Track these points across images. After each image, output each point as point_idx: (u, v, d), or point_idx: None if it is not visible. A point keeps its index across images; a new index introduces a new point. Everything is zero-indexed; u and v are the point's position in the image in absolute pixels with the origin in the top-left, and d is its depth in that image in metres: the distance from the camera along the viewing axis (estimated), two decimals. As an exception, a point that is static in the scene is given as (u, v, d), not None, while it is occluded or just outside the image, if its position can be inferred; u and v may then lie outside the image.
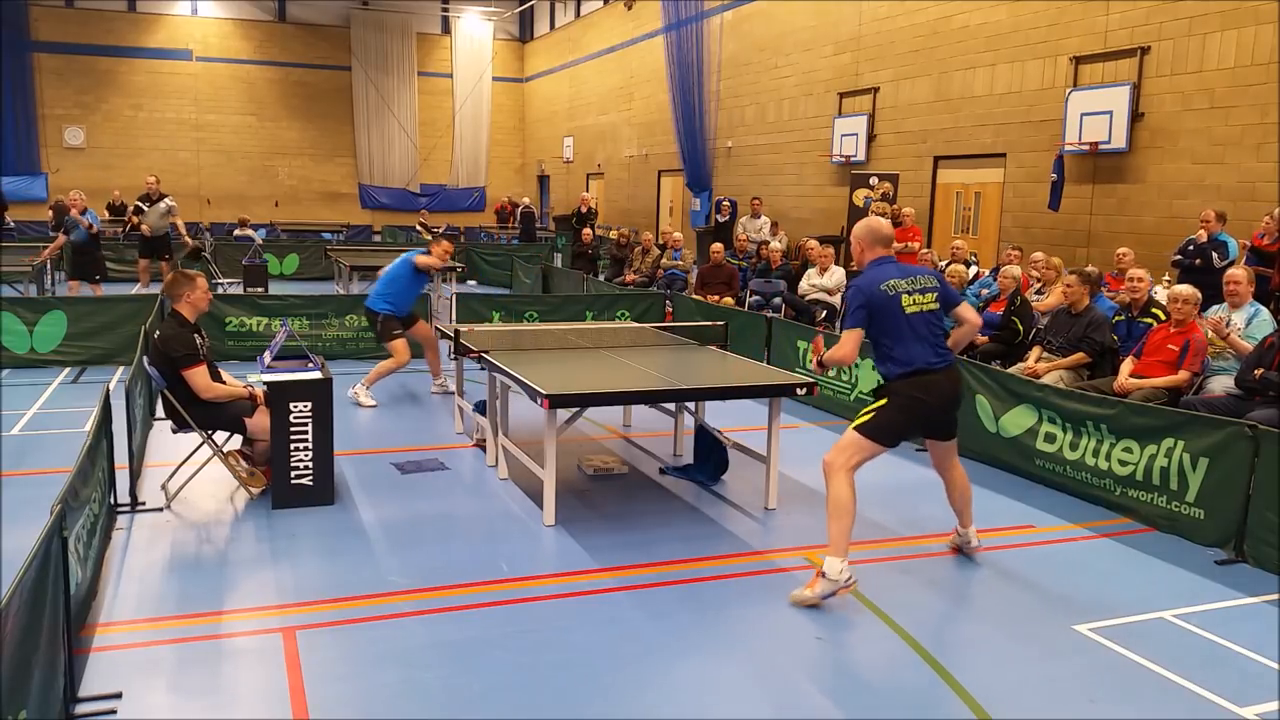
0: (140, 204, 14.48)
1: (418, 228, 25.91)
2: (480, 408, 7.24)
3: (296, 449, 5.73)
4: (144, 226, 14.44)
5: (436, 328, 8.98)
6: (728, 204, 18.62)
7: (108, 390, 5.51)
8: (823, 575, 4.59)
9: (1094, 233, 11.98)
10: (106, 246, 17.49)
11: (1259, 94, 10.11)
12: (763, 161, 19.25)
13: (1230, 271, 7.34)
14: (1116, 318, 7.93)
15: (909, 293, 4.73)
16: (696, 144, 20.83)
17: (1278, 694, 3.93)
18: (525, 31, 33.03)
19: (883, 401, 4.78)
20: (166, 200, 14.47)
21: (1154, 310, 7.63)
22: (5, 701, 2.58)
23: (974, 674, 4.04)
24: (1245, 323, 6.95)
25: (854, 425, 4.79)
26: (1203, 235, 9.30)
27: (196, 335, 5.85)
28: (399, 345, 8.65)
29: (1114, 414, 6.17)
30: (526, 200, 29.04)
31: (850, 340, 4.65)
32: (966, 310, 4.99)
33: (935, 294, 4.81)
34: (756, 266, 13.92)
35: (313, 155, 30.60)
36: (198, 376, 5.70)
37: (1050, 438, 6.65)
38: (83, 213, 13.61)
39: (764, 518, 5.99)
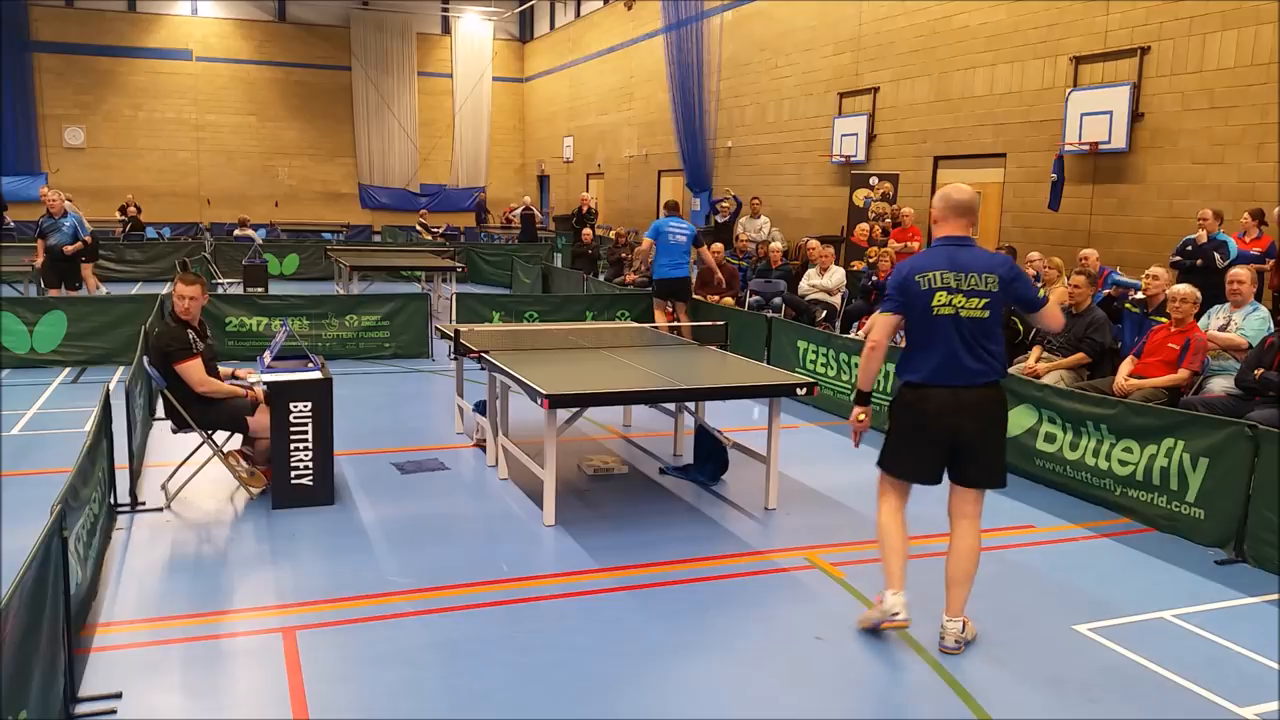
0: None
1: (417, 228, 25.93)
2: (480, 408, 7.24)
3: (296, 449, 5.73)
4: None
5: (437, 328, 8.99)
6: (730, 200, 18.49)
7: (108, 390, 5.51)
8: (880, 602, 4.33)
9: (1094, 233, 11.97)
10: (108, 247, 17.50)
11: (1259, 94, 10.10)
12: (763, 161, 19.24)
13: (1233, 271, 7.34)
14: (1129, 306, 7.90)
15: (949, 290, 4.00)
16: (696, 144, 20.82)
17: (1278, 694, 3.93)
18: (525, 31, 33.03)
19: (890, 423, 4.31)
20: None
21: (1169, 310, 7.61)
22: (5, 701, 2.58)
23: (974, 674, 4.04)
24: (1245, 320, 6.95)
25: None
26: (1202, 235, 9.30)
27: (190, 331, 5.85)
28: None
29: (1114, 414, 6.18)
30: (528, 200, 29.01)
31: (881, 325, 4.13)
32: (1048, 315, 4.25)
33: (988, 300, 4.01)
34: (756, 266, 13.92)
35: (313, 155, 30.59)
36: (191, 370, 5.71)
37: (1050, 438, 6.65)
38: (64, 215, 12.01)
39: (764, 518, 5.99)
